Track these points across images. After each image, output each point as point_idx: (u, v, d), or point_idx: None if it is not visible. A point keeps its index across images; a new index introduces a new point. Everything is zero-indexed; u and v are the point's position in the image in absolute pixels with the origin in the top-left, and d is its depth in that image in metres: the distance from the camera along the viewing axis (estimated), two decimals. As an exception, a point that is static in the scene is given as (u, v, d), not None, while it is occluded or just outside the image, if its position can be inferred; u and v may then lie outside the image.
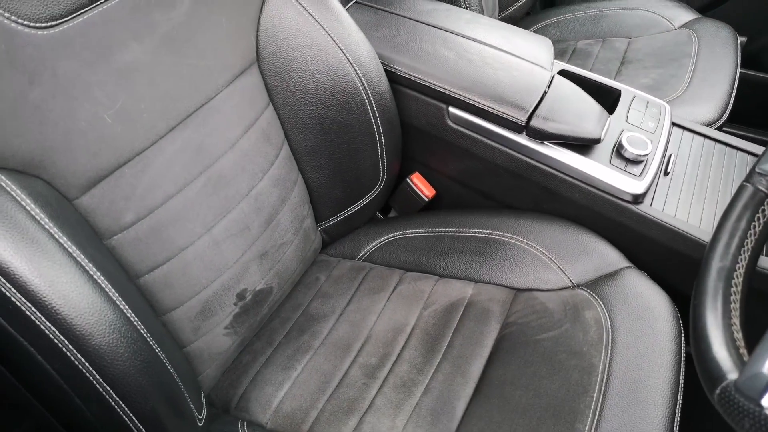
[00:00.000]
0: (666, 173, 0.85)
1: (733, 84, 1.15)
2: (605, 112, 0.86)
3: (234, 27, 0.72)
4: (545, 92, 0.84)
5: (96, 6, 0.57)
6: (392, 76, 0.89)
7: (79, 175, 0.56)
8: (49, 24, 0.53)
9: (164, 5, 0.63)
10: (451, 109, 0.87)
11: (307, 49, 0.78)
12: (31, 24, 0.52)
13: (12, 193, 0.48)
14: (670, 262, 0.81)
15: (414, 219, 0.94)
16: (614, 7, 1.42)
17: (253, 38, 0.76)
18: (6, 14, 0.50)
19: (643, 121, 0.89)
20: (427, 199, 0.97)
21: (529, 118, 0.82)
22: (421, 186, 0.96)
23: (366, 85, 0.81)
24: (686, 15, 1.36)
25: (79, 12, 0.55)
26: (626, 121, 0.88)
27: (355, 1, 0.99)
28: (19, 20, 0.51)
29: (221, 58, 0.70)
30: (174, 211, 0.66)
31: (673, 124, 0.93)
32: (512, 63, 0.88)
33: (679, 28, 1.34)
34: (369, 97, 0.82)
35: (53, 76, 0.53)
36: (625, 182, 0.80)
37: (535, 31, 1.45)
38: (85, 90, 0.56)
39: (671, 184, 0.84)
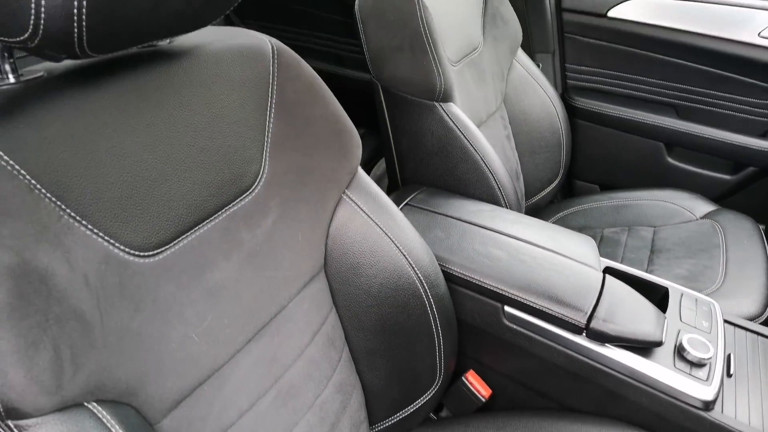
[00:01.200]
0: (729, 375, 0.84)
1: None
2: (661, 313, 0.87)
3: (308, 238, 0.75)
4: (600, 292, 0.86)
5: (195, 231, 0.61)
6: (447, 276, 0.91)
7: (165, 398, 0.55)
8: (154, 252, 0.56)
9: (252, 224, 0.67)
10: (507, 309, 0.89)
11: (371, 253, 0.81)
12: (140, 254, 0.55)
13: (111, 428, 0.47)
14: None
15: (471, 422, 0.90)
16: (635, 198, 1.51)
17: (323, 246, 0.79)
18: (120, 246, 0.53)
19: (696, 320, 0.89)
20: (484, 400, 0.94)
21: (589, 319, 0.83)
22: (477, 385, 0.94)
23: (426, 287, 0.83)
24: (705, 206, 1.43)
25: (181, 237, 0.59)
26: (680, 320, 0.89)
27: (406, 204, 1.05)
28: (131, 251, 0.54)
29: (295, 268, 0.73)
30: (246, 428, 0.64)
31: (725, 321, 0.94)
32: (563, 263, 0.91)
33: (701, 218, 1.41)
34: (429, 298, 0.83)
35: (154, 302, 0.55)
36: (693, 387, 0.78)
37: (559, 220, 1.52)
38: (179, 312, 0.57)
39: (737, 387, 0.82)
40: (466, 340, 0.95)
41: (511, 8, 1.41)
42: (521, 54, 1.46)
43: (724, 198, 1.55)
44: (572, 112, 1.61)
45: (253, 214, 0.68)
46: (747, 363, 0.87)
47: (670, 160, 1.59)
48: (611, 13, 1.50)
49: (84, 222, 0.50)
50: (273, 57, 0.72)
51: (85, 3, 0.43)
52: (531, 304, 0.86)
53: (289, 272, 0.72)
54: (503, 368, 0.94)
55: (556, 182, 1.55)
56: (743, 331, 0.93)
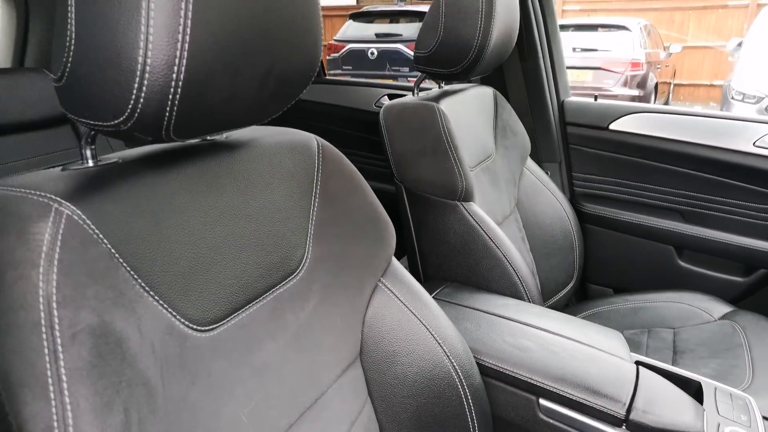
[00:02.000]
0: None
1: None
2: (700, 405, 0.85)
3: (346, 324, 0.77)
4: (636, 384, 0.86)
5: (246, 309, 0.63)
6: (479, 368, 0.91)
7: (213, 478, 0.54)
8: (210, 327, 0.58)
9: (296, 307, 0.69)
10: (542, 402, 0.87)
11: (407, 342, 0.82)
12: (198, 327, 0.56)
13: None
14: None
15: None
16: (651, 300, 1.52)
17: (359, 333, 0.80)
18: (181, 319, 0.55)
19: (734, 414, 0.88)
20: (522, 502, 0.89)
21: (628, 410, 0.82)
22: (514, 486, 0.90)
23: (462, 377, 0.82)
24: (722, 307, 1.44)
25: (233, 315, 0.61)
26: (718, 413, 0.87)
27: (433, 297, 1.07)
28: (191, 324, 0.55)
29: (335, 353, 0.74)
30: None
31: (764, 417, 0.92)
32: (595, 355, 0.91)
33: (719, 319, 1.41)
34: (464, 389, 0.82)
35: (208, 376, 0.55)
36: (742, 481, 0.76)
37: (577, 321, 1.52)
38: (230, 388, 0.58)
39: None
40: None
41: (519, 122, 1.52)
42: (531, 163, 1.55)
43: (739, 299, 1.56)
44: (582, 218, 1.67)
45: (297, 296, 0.71)
46: None
47: (681, 263, 1.62)
48: (612, 126, 1.61)
49: (152, 293, 0.53)
50: (318, 152, 0.78)
51: (180, 90, 0.48)
52: (568, 396, 0.85)
53: (328, 357, 0.73)
54: None
55: (571, 285, 1.57)
56: None
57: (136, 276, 0.51)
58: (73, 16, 0.47)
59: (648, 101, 7.00)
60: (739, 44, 6.47)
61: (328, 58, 7.79)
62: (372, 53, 7.42)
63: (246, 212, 0.66)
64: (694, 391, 0.94)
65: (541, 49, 1.64)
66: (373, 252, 0.82)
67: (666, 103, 8.62)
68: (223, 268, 0.62)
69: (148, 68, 0.46)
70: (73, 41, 0.48)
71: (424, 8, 7.74)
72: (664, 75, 8.20)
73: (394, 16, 7.89)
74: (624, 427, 0.82)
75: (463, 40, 1.16)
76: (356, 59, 7.45)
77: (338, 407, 0.72)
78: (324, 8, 11.65)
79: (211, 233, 0.61)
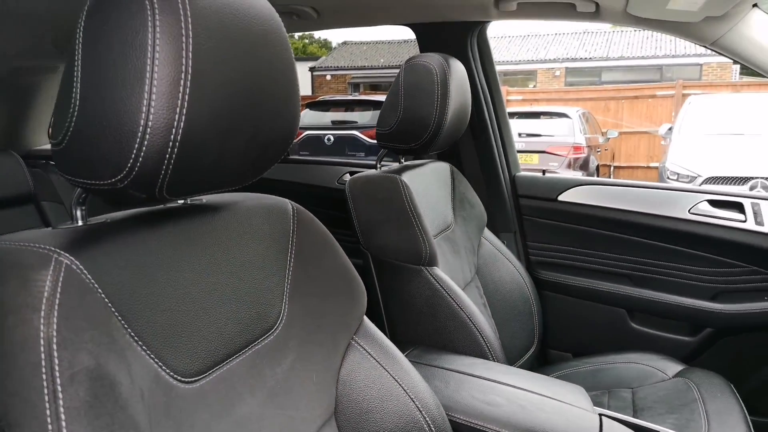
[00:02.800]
0: None
1: (748, 425, 1.22)
2: None
3: (321, 381, 0.79)
4: None
5: (226, 363, 0.65)
6: (452, 425, 0.92)
7: None
8: (194, 379, 0.59)
9: (273, 363, 0.72)
10: None
11: (380, 399, 0.83)
12: (182, 379, 0.58)
13: None
14: None
15: None
16: (608, 362, 1.58)
17: (334, 390, 0.82)
18: (167, 370, 0.56)
19: None
20: None
21: None
22: None
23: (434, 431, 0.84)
24: (675, 366, 1.51)
25: (215, 368, 0.63)
26: None
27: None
28: (176, 375, 0.57)
29: (310, 410, 0.75)
30: None
31: None
32: (561, 407, 0.94)
33: (673, 377, 1.47)
34: None
35: (191, 427, 0.57)
36: None
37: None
38: None
39: None
40: None
41: (476, 194, 1.61)
42: (488, 233, 1.63)
43: (690, 358, 1.63)
44: (539, 285, 1.74)
45: (274, 352, 0.73)
46: None
47: (633, 325, 1.70)
48: (561, 198, 1.73)
49: (140, 342, 0.55)
50: (293, 215, 0.82)
51: (176, 150, 0.53)
52: None
53: (305, 413, 0.74)
54: None
55: (531, 350, 1.61)
56: None
57: (126, 325, 0.54)
58: (79, 81, 0.52)
59: (591, 182, 7.39)
60: (670, 129, 7.03)
61: (285, 143, 7.96)
62: (329, 139, 7.66)
63: (226, 269, 0.69)
64: None
65: (492, 128, 1.78)
66: (346, 310, 0.85)
67: (608, 183, 9.09)
68: (206, 322, 0.64)
69: (149, 130, 0.51)
70: (77, 105, 0.52)
71: (378, 98, 8.14)
72: (604, 158, 8.76)
73: (349, 105, 8.24)
74: None
75: (422, 118, 1.26)
76: (313, 145, 7.67)
77: (315, 465, 0.73)
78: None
79: (195, 288, 0.64)
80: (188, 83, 0.52)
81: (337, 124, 7.88)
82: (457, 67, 1.33)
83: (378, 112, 1.33)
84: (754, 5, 1.30)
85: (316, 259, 0.83)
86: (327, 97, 9.45)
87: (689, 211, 1.59)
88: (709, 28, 1.33)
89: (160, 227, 0.64)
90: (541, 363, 1.84)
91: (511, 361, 1.59)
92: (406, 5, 1.53)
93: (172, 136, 0.52)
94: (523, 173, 1.86)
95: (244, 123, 0.60)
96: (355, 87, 16.97)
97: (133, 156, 0.51)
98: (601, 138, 8.48)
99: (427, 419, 0.84)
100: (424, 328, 1.22)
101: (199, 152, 0.56)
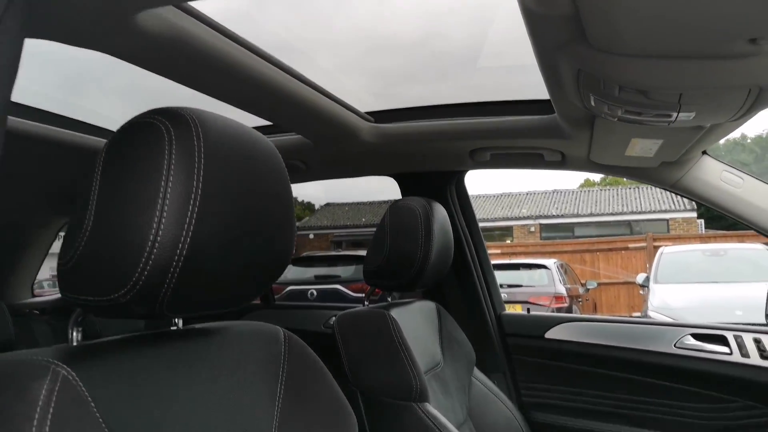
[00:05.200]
0: None
1: None
2: None
3: None
4: None
5: None
6: None
7: None
8: None
9: None
10: None
11: None
12: None
13: None
14: None
15: None
16: None
17: None
18: None
19: None
20: None
21: None
22: None
23: None
24: None
25: None
26: None
27: None
28: None
29: None
30: None
31: None
32: None
33: None
34: None
35: None
36: None
37: None
38: None
39: None
40: None
41: (462, 333, 1.62)
42: (478, 372, 1.61)
43: None
44: (534, 428, 1.68)
45: None
46: None
47: (635, 469, 1.61)
48: (548, 335, 1.73)
49: None
50: (285, 341, 0.83)
51: (180, 266, 0.56)
52: None
53: None
54: None
55: None
56: None
57: None
58: (94, 204, 0.57)
59: (576, 332, 7.37)
60: (646, 278, 7.20)
61: (268, 299, 7.94)
62: (312, 294, 7.67)
63: (216, 397, 0.69)
64: None
65: (475, 268, 1.84)
66: None
67: (593, 334, 9.06)
68: None
69: (157, 245, 0.54)
70: (90, 226, 0.56)
71: (361, 253, 8.32)
72: (585, 308, 8.81)
73: (332, 261, 8.39)
74: None
75: (407, 256, 1.32)
76: (296, 299, 7.65)
77: None
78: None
79: (183, 415, 0.63)
80: (197, 202, 0.57)
81: (320, 279, 7.94)
82: (439, 209, 1.42)
83: (361, 266, 1.40)
84: (704, 152, 1.45)
85: (307, 387, 0.82)
86: (311, 253, 9.62)
87: (675, 345, 1.61)
88: (667, 173, 1.46)
89: (156, 348, 0.65)
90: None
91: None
92: (392, 159, 1.67)
93: (178, 251, 0.55)
94: (508, 312, 1.88)
95: (244, 245, 0.64)
96: (338, 245, 17.38)
97: (138, 270, 0.54)
98: (581, 288, 8.62)
99: None
100: None
101: (201, 270, 0.59)
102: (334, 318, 2.01)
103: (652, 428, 1.61)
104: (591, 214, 15.45)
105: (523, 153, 1.54)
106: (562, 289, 7.29)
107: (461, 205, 1.86)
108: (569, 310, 7.26)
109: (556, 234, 15.23)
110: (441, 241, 1.40)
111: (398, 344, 1.22)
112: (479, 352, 1.67)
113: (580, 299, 8.23)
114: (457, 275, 1.82)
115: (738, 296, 6.03)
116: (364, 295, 1.45)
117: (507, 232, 16.17)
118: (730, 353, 1.55)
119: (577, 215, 15.61)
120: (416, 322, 1.44)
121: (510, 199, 17.81)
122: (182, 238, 0.56)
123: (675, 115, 0.92)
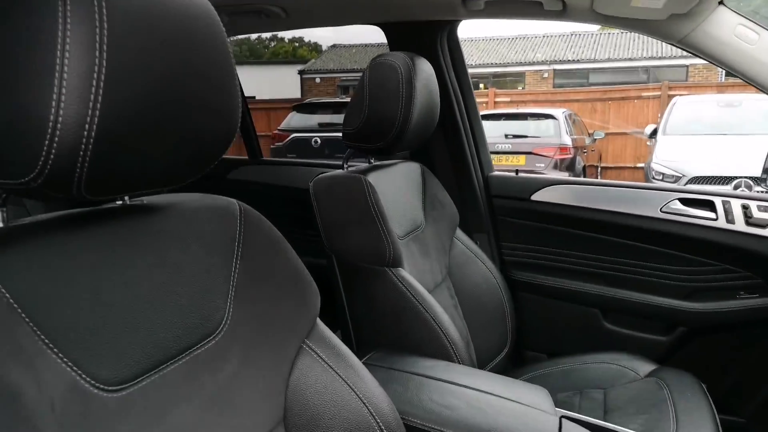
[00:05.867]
0: None
1: (717, 424, 1.21)
2: None
3: (268, 387, 0.76)
4: None
5: (159, 370, 0.62)
6: (408, 429, 0.90)
7: None
8: (118, 388, 0.57)
9: (214, 369, 0.69)
10: None
11: (332, 404, 0.81)
12: (105, 387, 0.56)
13: None
14: None
15: None
16: (581, 362, 1.56)
17: (283, 397, 0.79)
18: (86, 378, 0.54)
19: None
20: None
21: None
22: None
23: None
24: (647, 365, 1.50)
25: (145, 376, 0.60)
26: None
27: (364, 362, 1.07)
28: (97, 384, 0.55)
29: (255, 417, 0.73)
30: None
31: None
32: (521, 410, 0.93)
33: (645, 377, 1.46)
34: None
35: None
36: None
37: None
38: None
39: None
40: None
41: (447, 194, 1.60)
42: (461, 233, 1.62)
43: (662, 357, 1.63)
44: (513, 285, 1.73)
45: (215, 358, 0.70)
46: None
47: (607, 324, 1.69)
48: (534, 197, 1.71)
49: (55, 350, 0.52)
50: (240, 215, 0.80)
51: (90, 148, 0.51)
52: None
53: (248, 420, 0.72)
54: None
55: (505, 351, 1.59)
56: None
57: (38, 331, 0.51)
58: None
59: (578, 183, 7.44)
60: (655, 130, 7.07)
61: (271, 147, 7.96)
62: (315, 141, 7.64)
63: (163, 273, 0.67)
64: None
65: (463, 128, 1.76)
66: (296, 314, 0.83)
67: (595, 184, 9.16)
68: (136, 328, 0.61)
69: (59, 125, 0.49)
70: None
71: (365, 100, 8.12)
72: (590, 159, 8.78)
73: (336, 107, 8.22)
74: None
75: (387, 118, 1.25)
76: (300, 147, 7.64)
77: (259, 472, 0.71)
78: (268, 101, 12.03)
79: (123, 292, 0.61)
80: (102, 77, 0.50)
81: (324, 127, 7.85)
82: (423, 66, 1.32)
83: None
84: (720, 2, 1.29)
85: (265, 262, 0.81)
86: (314, 100, 9.42)
87: (661, 209, 1.59)
88: (676, 26, 1.32)
89: (89, 228, 0.62)
90: (516, 364, 1.82)
91: (485, 362, 1.57)
92: (374, 4, 1.51)
93: (85, 133, 0.50)
94: (495, 173, 1.85)
95: (173, 123, 0.58)
96: (344, 90, 16.97)
97: (44, 153, 0.49)
98: (587, 139, 8.51)
99: (381, 424, 0.82)
100: (389, 330, 1.20)
101: (120, 150, 0.54)
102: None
103: (628, 288, 1.65)
104: (609, 59, 14.78)
105: (520, 1, 1.39)
106: (567, 140, 7.20)
107: (453, 60, 1.73)
108: (573, 161, 7.24)
109: (570, 81, 14.71)
110: (424, 102, 1.31)
111: (373, 211, 1.20)
112: (464, 213, 1.66)
113: (585, 150, 8.17)
114: (445, 135, 1.75)
115: (747, 149, 5.95)
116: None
117: (519, 78, 15.62)
118: (716, 219, 1.54)
119: (594, 60, 14.94)
120: (398, 184, 1.41)
121: (524, 42, 16.93)
122: (89, 117, 0.50)
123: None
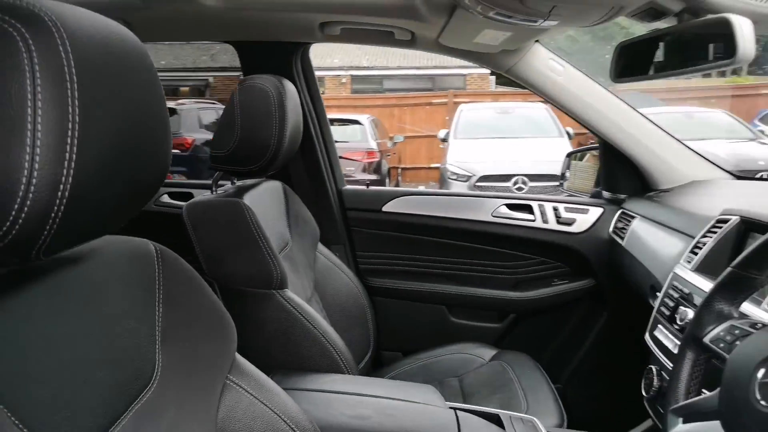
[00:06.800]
0: None
1: (554, 394, 1.46)
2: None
3: (203, 429, 0.75)
4: (459, 428, 1.00)
5: None
6: None
7: None
8: None
9: (155, 420, 0.67)
10: None
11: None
12: None
13: None
14: None
15: None
16: (435, 355, 1.74)
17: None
18: None
19: None
20: None
21: None
22: None
23: None
24: (489, 351, 1.72)
25: None
26: None
27: None
28: None
29: None
30: None
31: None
32: (424, 410, 1.03)
33: (490, 361, 1.68)
34: None
35: None
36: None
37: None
38: None
39: None
40: None
41: (308, 210, 1.65)
42: (321, 247, 1.67)
43: (499, 341, 1.88)
44: (371, 291, 1.84)
45: (155, 408, 0.68)
46: None
47: (453, 319, 1.90)
48: (385, 208, 1.85)
49: (16, 421, 0.48)
50: (157, 257, 0.77)
51: (62, 208, 0.47)
52: None
53: None
54: None
55: (369, 354, 1.70)
56: None
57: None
58: None
59: (384, 184, 7.94)
60: (447, 134, 7.85)
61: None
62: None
63: (97, 327, 0.63)
64: (495, 422, 1.13)
65: (318, 146, 1.83)
66: (219, 350, 0.82)
67: (397, 184, 9.86)
68: (85, 391, 0.57)
69: (32, 188, 0.45)
70: None
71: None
72: (392, 161, 9.41)
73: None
74: None
75: (262, 141, 1.25)
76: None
77: None
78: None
79: (71, 353, 0.57)
80: (76, 133, 0.47)
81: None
82: (290, 89, 1.35)
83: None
84: (536, 41, 1.55)
85: (185, 302, 0.78)
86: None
87: (492, 214, 1.83)
88: (505, 59, 1.55)
89: (27, 288, 0.56)
90: (376, 365, 1.94)
91: (352, 368, 1.66)
92: (232, 24, 1.49)
93: (59, 194, 0.46)
94: (349, 187, 1.94)
95: (126, 170, 0.56)
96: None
97: (10, 219, 0.45)
98: (389, 143, 9.11)
99: None
100: (280, 351, 1.21)
101: (83, 206, 0.50)
102: (166, 195, 1.88)
103: (468, 284, 1.88)
104: (399, 67, 15.88)
105: (374, 30, 1.49)
106: (374, 145, 7.63)
107: (306, 79, 1.78)
108: (380, 164, 7.70)
109: (367, 86, 15.48)
110: (293, 124, 1.35)
111: (256, 235, 1.20)
112: (322, 227, 1.72)
113: (388, 154, 8.73)
114: (302, 153, 1.79)
115: (520, 150, 6.95)
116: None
117: (319, 83, 15.98)
118: (534, 219, 1.83)
119: (387, 67, 15.93)
120: (265, 204, 1.42)
121: (321, 48, 17.37)
122: (63, 177, 0.46)
123: (541, 21, 0.96)
